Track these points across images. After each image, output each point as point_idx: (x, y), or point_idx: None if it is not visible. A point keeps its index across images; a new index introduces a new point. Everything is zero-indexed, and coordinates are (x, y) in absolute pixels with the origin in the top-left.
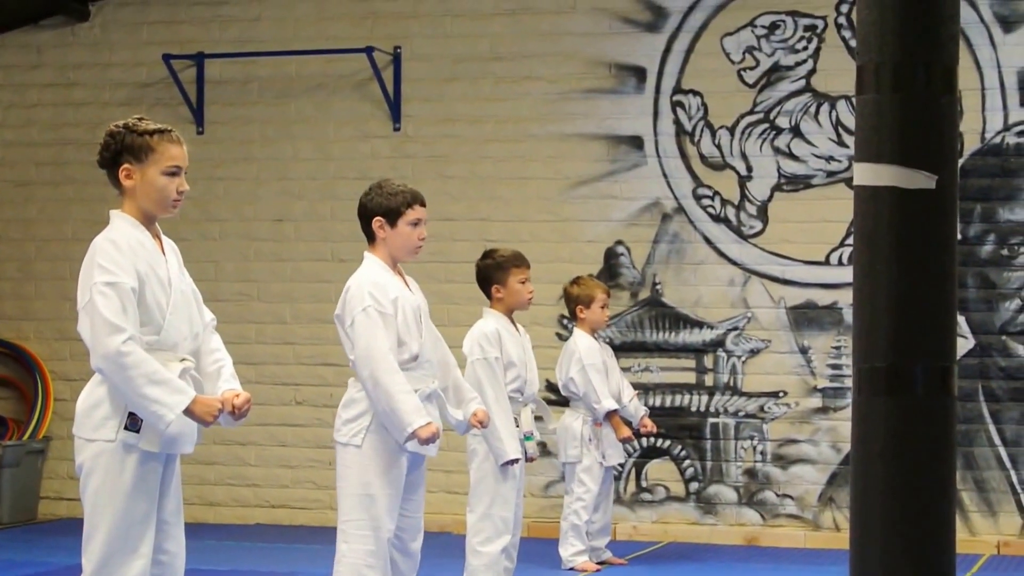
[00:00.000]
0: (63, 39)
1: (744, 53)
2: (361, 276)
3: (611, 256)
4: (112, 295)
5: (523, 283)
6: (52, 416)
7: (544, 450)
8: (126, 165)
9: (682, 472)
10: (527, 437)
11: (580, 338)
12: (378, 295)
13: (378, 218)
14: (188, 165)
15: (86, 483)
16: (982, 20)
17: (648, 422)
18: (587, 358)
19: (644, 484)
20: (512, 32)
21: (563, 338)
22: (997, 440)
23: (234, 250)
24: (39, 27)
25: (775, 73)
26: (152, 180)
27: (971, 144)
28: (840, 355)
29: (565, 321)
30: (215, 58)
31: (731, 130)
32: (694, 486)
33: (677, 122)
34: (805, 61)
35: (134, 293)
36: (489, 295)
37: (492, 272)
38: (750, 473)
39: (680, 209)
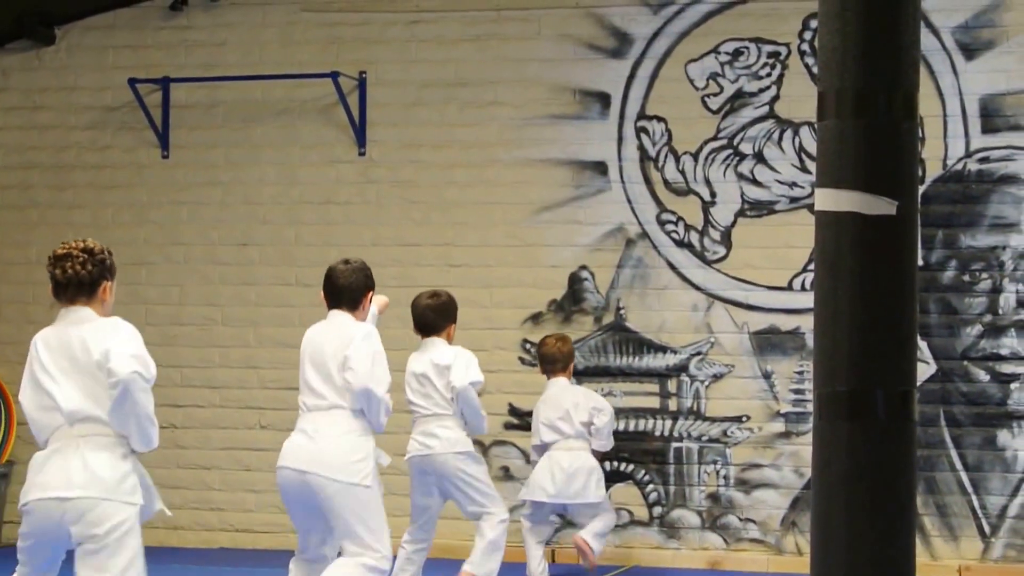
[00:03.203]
0: (28, 63)
1: (708, 79)
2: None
3: (575, 281)
4: None
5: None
6: (16, 440)
7: (507, 474)
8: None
9: (645, 496)
10: None
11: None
12: None
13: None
14: (153, 189)
15: (124, 541)
16: (944, 48)
17: None
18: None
19: None
20: (477, 58)
21: (525, 362)
22: (959, 465)
23: (199, 274)
24: (4, 50)
25: (739, 99)
26: None
27: (933, 171)
28: (803, 380)
29: (528, 346)
30: (181, 82)
31: (695, 156)
32: (657, 510)
33: (641, 148)
34: (768, 88)
35: None
36: (442, 329)
37: (453, 311)
38: (713, 497)
39: (644, 234)
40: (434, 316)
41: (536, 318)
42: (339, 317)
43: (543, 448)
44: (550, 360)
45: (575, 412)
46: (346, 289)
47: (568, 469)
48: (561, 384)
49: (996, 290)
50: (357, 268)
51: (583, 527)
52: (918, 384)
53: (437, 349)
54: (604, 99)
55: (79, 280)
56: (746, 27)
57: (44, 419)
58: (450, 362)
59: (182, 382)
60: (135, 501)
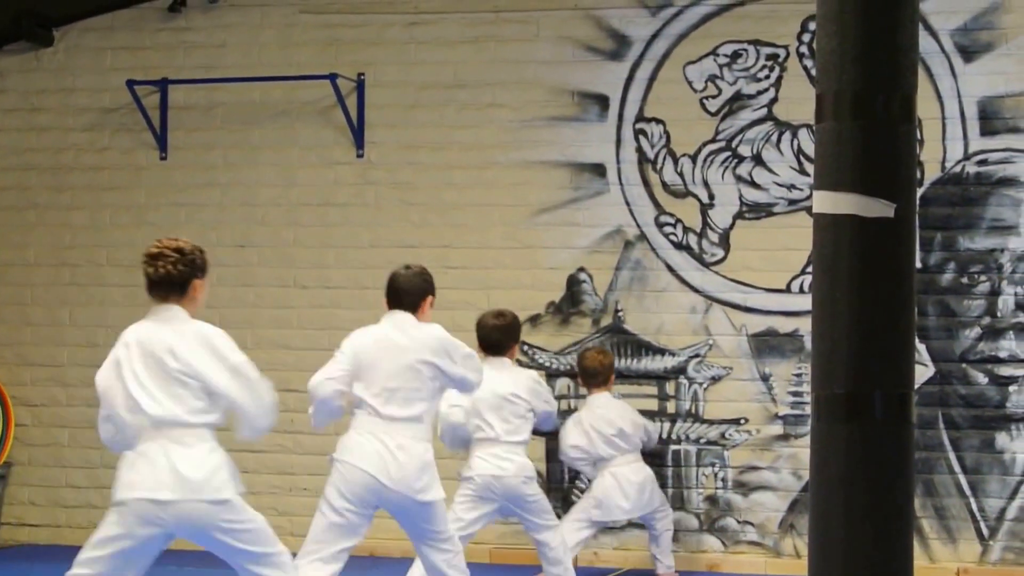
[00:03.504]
0: (27, 64)
1: (706, 81)
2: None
3: (573, 283)
4: None
5: None
6: (13, 442)
7: None
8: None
9: None
10: None
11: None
12: None
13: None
14: (152, 191)
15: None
16: (943, 50)
17: None
18: None
19: None
20: (476, 60)
21: (524, 364)
22: (957, 467)
23: None
24: (2, 52)
25: (737, 101)
26: None
27: (931, 173)
28: (801, 382)
29: (526, 348)
30: (179, 84)
31: (693, 158)
32: None
33: (640, 150)
34: (767, 90)
35: None
36: (508, 350)
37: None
38: (711, 500)
39: (642, 236)
40: (500, 336)
41: (534, 320)
42: (401, 316)
43: (590, 460)
44: (592, 374)
45: (630, 428)
46: (406, 293)
47: (637, 483)
48: (605, 399)
49: (994, 292)
50: (418, 272)
51: (650, 527)
52: (916, 386)
53: (512, 373)
54: (602, 101)
55: (170, 279)
56: (744, 29)
57: (128, 419)
58: (529, 391)
59: None
60: (228, 495)
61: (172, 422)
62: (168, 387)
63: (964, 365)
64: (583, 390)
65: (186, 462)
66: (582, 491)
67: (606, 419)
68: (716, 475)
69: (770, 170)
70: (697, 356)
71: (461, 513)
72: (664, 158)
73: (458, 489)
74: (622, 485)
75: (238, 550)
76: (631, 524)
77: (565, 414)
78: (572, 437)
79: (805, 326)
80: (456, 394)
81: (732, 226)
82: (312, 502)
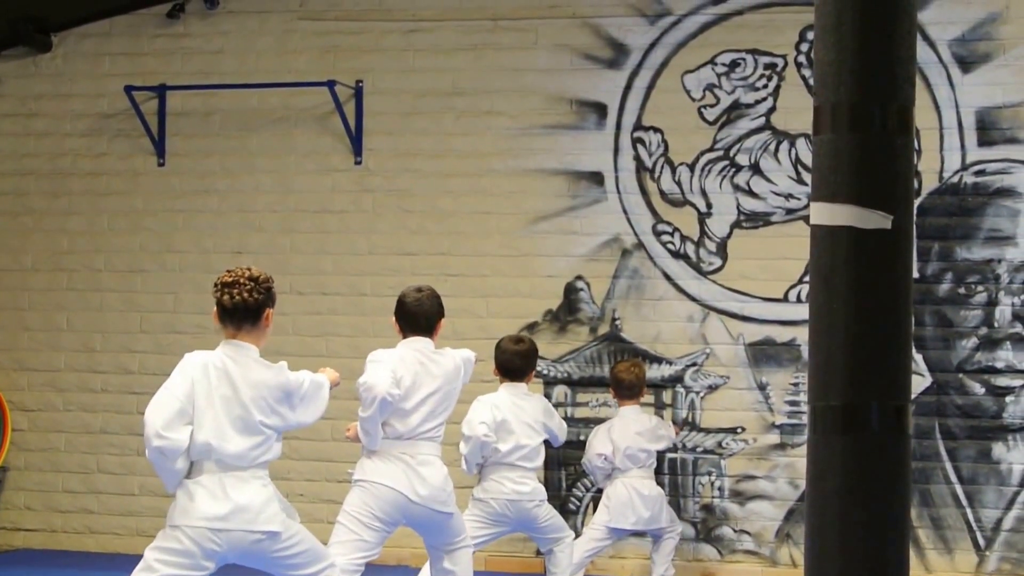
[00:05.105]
0: (25, 69)
1: (704, 90)
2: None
3: (571, 291)
4: None
5: None
6: (9, 447)
7: None
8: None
9: None
10: None
11: None
12: None
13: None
14: (149, 197)
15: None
16: (941, 60)
17: None
18: None
19: None
20: (474, 67)
21: None
22: (953, 478)
23: (193, 282)
24: (1, 57)
25: (735, 111)
26: None
27: (929, 183)
28: (798, 392)
29: None
30: (177, 90)
31: (691, 167)
32: None
33: (637, 158)
34: (765, 99)
35: None
36: (527, 375)
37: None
38: (708, 509)
39: (640, 245)
40: (521, 362)
41: (532, 328)
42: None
43: (608, 470)
44: (627, 386)
45: (652, 446)
46: (423, 316)
47: (649, 496)
48: (635, 412)
49: (991, 303)
50: (430, 295)
51: (656, 537)
52: (913, 396)
53: (529, 399)
54: (600, 109)
55: (246, 307)
56: (743, 38)
57: (189, 445)
58: (545, 413)
59: None
60: (277, 527)
61: (240, 464)
62: (243, 431)
63: (961, 375)
64: (612, 400)
65: (243, 495)
66: (579, 499)
67: (632, 434)
68: (713, 484)
69: (768, 179)
70: (694, 365)
71: (470, 532)
72: (662, 167)
73: (469, 508)
74: (632, 496)
75: (288, 567)
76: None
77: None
78: (600, 445)
79: (802, 336)
80: (482, 413)
81: (729, 235)
82: (309, 508)
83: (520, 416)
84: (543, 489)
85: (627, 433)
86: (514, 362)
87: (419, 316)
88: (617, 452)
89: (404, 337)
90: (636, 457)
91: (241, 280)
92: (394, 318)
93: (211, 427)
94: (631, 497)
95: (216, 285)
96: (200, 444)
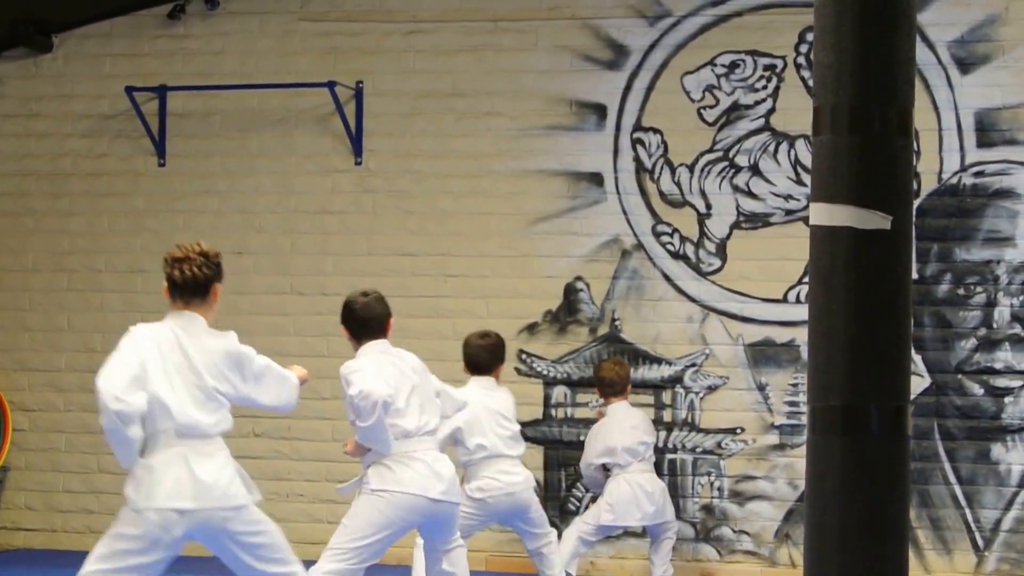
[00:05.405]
0: (26, 70)
1: (704, 92)
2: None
3: (570, 292)
4: None
5: None
6: (10, 446)
7: None
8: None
9: None
10: None
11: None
12: None
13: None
14: (150, 197)
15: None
16: (940, 62)
17: None
18: None
19: None
20: (474, 69)
21: (521, 373)
22: (952, 479)
23: None
24: (1, 58)
25: (734, 112)
26: None
27: (928, 184)
28: (797, 392)
29: (524, 357)
30: (177, 91)
31: (691, 168)
32: None
33: (637, 159)
34: (764, 100)
35: None
36: (494, 369)
37: (499, 355)
38: (707, 509)
39: (639, 246)
40: (487, 356)
41: (531, 328)
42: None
43: (602, 469)
44: (609, 384)
45: (649, 437)
46: (374, 319)
47: (651, 492)
48: (624, 408)
49: (990, 304)
50: (377, 298)
51: (655, 536)
52: (912, 397)
53: (500, 391)
54: (600, 110)
55: (195, 281)
56: (742, 40)
57: (145, 411)
58: (514, 407)
59: None
60: (244, 501)
61: (196, 432)
62: (199, 397)
63: (960, 376)
64: (598, 400)
65: (207, 472)
66: (579, 499)
67: (626, 429)
68: (712, 484)
69: (767, 180)
70: (694, 365)
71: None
72: (661, 168)
73: (463, 506)
74: (636, 492)
75: (251, 554)
76: (627, 533)
77: (562, 423)
78: (595, 454)
79: (802, 336)
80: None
81: (729, 236)
82: (309, 508)
83: (492, 406)
84: (531, 475)
85: (623, 429)
86: (480, 356)
87: (371, 320)
88: (616, 451)
89: (359, 343)
90: (635, 451)
91: (191, 255)
92: (343, 326)
93: (166, 393)
94: (635, 493)
95: (166, 260)
96: (157, 410)
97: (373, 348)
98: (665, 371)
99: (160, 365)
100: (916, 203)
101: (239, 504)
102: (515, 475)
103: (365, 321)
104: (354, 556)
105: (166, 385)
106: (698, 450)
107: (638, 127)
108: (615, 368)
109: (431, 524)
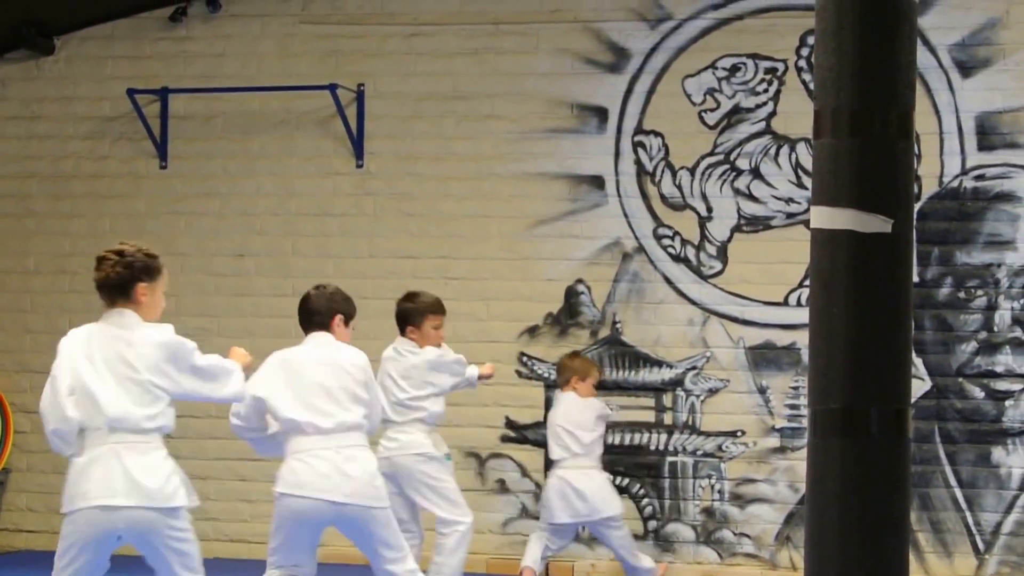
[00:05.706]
0: (27, 72)
1: (705, 95)
2: None
3: (571, 294)
4: None
5: (436, 328)
6: (12, 448)
7: (503, 487)
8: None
9: (640, 510)
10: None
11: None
12: None
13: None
14: (151, 199)
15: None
16: (941, 65)
17: None
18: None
19: None
20: (475, 71)
21: (522, 375)
22: (953, 481)
23: (195, 284)
24: (3, 60)
25: (736, 115)
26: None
27: (929, 188)
28: (798, 395)
29: (525, 359)
30: (179, 93)
31: (692, 171)
32: (652, 524)
33: (638, 162)
34: (765, 103)
35: None
36: (404, 332)
37: (410, 315)
38: (708, 512)
39: (640, 249)
40: (322, 304)
41: (532, 331)
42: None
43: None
44: (558, 372)
45: (586, 433)
46: (316, 313)
47: (581, 490)
48: (569, 398)
49: (991, 307)
50: (329, 294)
51: (604, 539)
52: (913, 400)
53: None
54: (601, 113)
55: (108, 282)
56: (743, 43)
57: (79, 416)
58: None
59: None
60: (181, 503)
61: (128, 426)
62: (132, 390)
63: (960, 379)
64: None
65: (140, 469)
66: None
67: (561, 418)
68: (713, 487)
69: (768, 183)
70: (694, 368)
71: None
72: (663, 171)
73: None
74: (564, 489)
75: (176, 560)
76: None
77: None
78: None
79: (802, 339)
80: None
81: (730, 239)
82: None
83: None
84: (425, 444)
85: (557, 418)
86: (316, 304)
87: (314, 313)
88: (548, 440)
89: (305, 334)
90: (564, 443)
91: (108, 256)
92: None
93: (96, 386)
94: (563, 490)
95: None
96: (88, 406)
97: (309, 341)
98: (666, 374)
99: (87, 363)
100: (917, 207)
101: (174, 506)
102: (391, 441)
103: (308, 313)
104: (273, 562)
105: (95, 379)
106: (699, 453)
107: (639, 130)
108: (563, 358)
109: (345, 529)
